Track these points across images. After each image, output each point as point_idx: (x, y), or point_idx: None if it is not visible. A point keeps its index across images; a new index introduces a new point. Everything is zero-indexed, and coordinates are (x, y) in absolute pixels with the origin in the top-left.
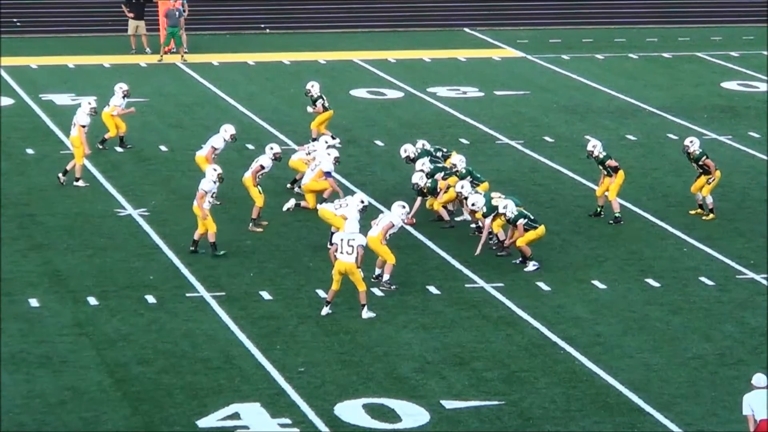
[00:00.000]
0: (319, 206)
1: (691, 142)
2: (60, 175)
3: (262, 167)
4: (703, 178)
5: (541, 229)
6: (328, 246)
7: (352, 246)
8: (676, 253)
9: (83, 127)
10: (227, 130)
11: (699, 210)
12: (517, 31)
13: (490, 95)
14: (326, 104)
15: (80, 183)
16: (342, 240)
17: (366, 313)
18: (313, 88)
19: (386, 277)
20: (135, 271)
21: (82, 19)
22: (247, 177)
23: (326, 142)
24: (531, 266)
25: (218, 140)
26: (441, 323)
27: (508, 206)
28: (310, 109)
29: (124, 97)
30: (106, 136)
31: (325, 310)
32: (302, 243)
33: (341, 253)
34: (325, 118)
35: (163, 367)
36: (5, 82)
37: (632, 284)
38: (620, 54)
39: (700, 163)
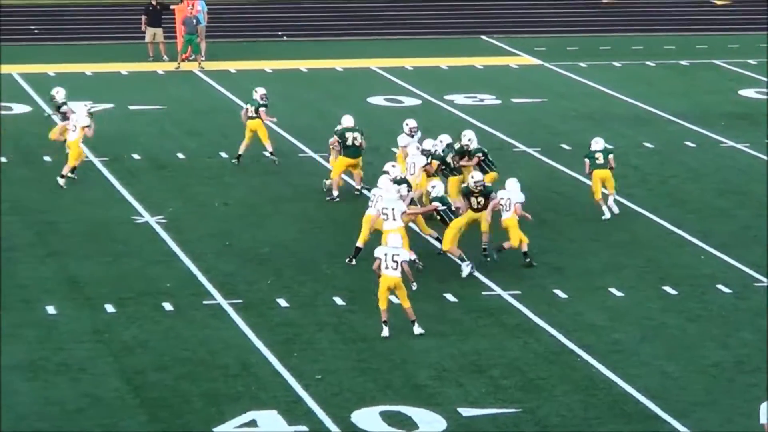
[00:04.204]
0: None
1: (596, 142)
2: (61, 179)
3: None
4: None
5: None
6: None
7: (397, 261)
8: (693, 261)
9: (85, 128)
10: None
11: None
12: (534, 39)
13: (507, 103)
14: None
15: (62, 181)
16: (386, 255)
17: (417, 329)
18: (58, 94)
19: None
20: (152, 279)
21: (99, 26)
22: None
23: None
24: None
25: None
26: (458, 331)
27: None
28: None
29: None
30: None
31: (386, 331)
32: (320, 250)
33: (386, 268)
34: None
35: (181, 374)
36: (23, 89)
37: (649, 292)
38: (638, 61)
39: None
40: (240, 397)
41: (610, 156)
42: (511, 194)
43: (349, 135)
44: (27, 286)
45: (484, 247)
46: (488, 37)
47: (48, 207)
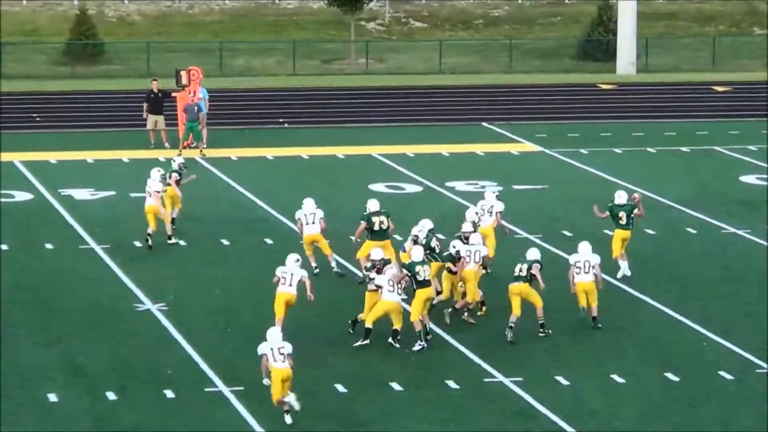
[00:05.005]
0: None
1: (618, 196)
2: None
3: None
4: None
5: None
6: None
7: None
8: (694, 346)
9: (158, 192)
10: None
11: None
12: (535, 125)
13: (509, 189)
14: None
15: (173, 240)
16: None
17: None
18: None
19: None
20: (153, 365)
21: (100, 113)
22: None
23: None
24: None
25: None
26: (459, 417)
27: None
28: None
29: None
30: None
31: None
32: (321, 340)
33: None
34: None
35: None
36: (24, 176)
37: (651, 377)
38: (639, 148)
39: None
40: None
41: (635, 211)
42: (587, 256)
43: (375, 219)
44: (27, 372)
45: (541, 322)
46: (489, 124)
47: (50, 294)
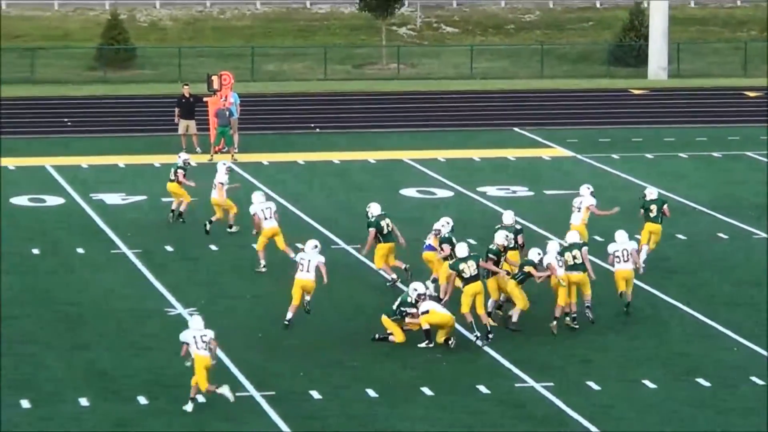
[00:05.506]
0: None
1: (650, 192)
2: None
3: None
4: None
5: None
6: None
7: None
8: (725, 353)
9: (222, 184)
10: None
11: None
12: (566, 131)
13: (540, 195)
14: None
15: (234, 229)
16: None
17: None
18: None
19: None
20: (183, 370)
21: (132, 119)
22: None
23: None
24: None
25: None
26: (489, 423)
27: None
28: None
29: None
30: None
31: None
32: (346, 340)
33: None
34: None
35: None
36: (56, 181)
37: (680, 383)
38: (670, 153)
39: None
40: None
41: (665, 206)
42: (625, 245)
43: (383, 223)
44: (57, 376)
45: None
46: (521, 129)
47: (81, 299)
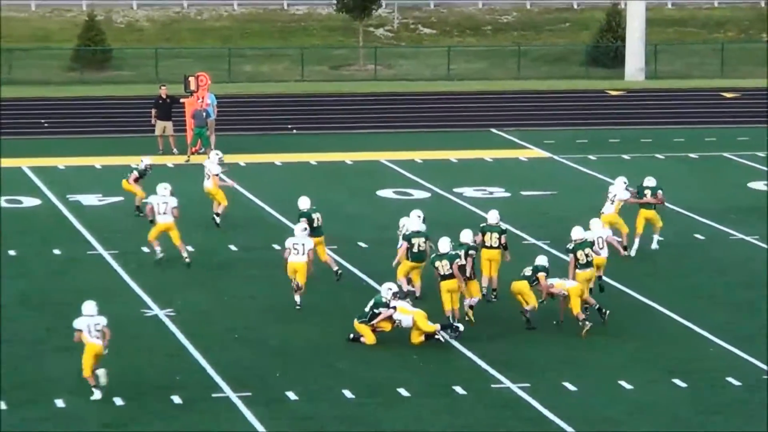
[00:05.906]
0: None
1: (648, 180)
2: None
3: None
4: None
5: None
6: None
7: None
8: (705, 353)
9: (216, 175)
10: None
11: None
12: (544, 132)
13: (517, 195)
14: None
15: (218, 219)
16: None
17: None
18: (142, 163)
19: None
20: (160, 371)
21: (109, 119)
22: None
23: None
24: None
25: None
26: (469, 424)
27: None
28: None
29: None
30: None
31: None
32: (333, 344)
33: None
34: None
35: None
36: (33, 182)
37: (661, 384)
38: (647, 154)
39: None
40: None
41: (659, 192)
42: (600, 232)
43: (415, 241)
44: (35, 378)
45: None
46: (498, 130)
47: (58, 299)
